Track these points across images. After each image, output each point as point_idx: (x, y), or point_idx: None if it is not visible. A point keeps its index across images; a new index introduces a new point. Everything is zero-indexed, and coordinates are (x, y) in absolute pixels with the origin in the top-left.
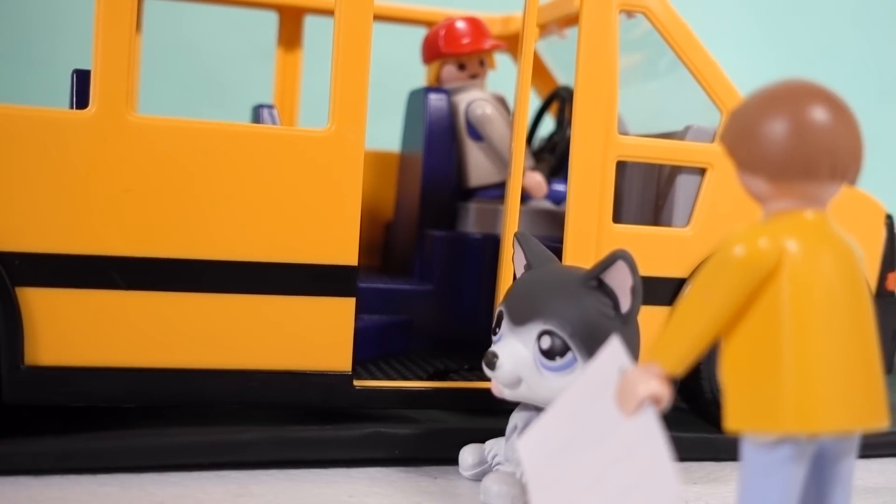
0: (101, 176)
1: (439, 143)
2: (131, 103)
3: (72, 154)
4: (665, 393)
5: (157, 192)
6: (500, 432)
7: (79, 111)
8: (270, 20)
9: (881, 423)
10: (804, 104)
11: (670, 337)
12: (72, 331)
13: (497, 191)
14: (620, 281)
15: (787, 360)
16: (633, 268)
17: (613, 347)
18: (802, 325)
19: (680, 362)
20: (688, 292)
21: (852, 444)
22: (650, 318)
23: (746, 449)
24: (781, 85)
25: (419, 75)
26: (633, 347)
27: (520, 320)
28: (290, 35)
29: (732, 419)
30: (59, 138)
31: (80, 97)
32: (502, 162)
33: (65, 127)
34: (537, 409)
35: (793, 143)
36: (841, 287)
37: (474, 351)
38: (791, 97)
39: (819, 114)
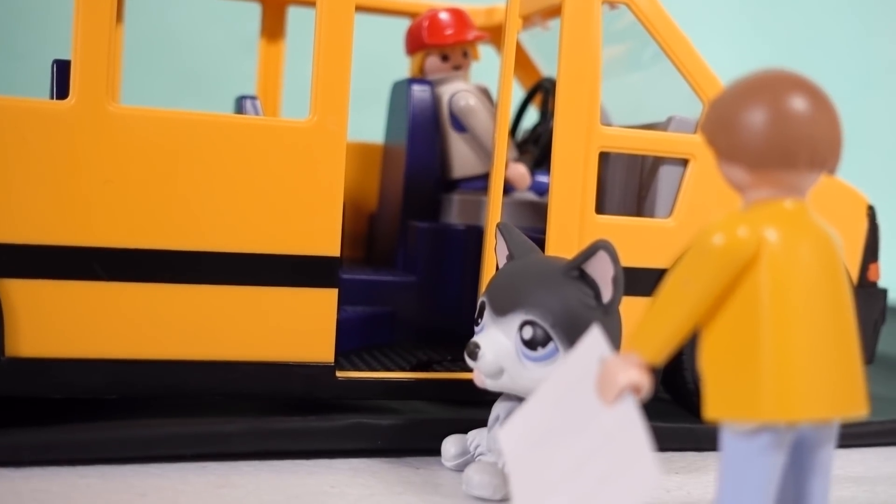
0: (82, 167)
1: (423, 134)
2: (112, 94)
3: (52, 145)
4: (645, 382)
5: (138, 183)
6: (482, 423)
7: (59, 101)
8: (253, 12)
9: (860, 411)
10: (783, 94)
11: (650, 326)
12: (53, 322)
13: (480, 182)
14: (602, 271)
15: (766, 349)
16: (614, 258)
17: (594, 337)
18: (781, 313)
19: (660, 351)
20: (667, 281)
21: (831, 433)
22: (633, 308)
23: (726, 437)
24: (761, 74)
25: (403, 67)
26: (615, 337)
27: (502, 311)
28: (273, 26)
29: (712, 408)
30: (39, 129)
31: (61, 87)
32: (486, 153)
33: (45, 117)
34: (519, 399)
35: (772, 133)
36: (820, 275)
37: (457, 342)
38: (770, 87)
39: (798, 103)
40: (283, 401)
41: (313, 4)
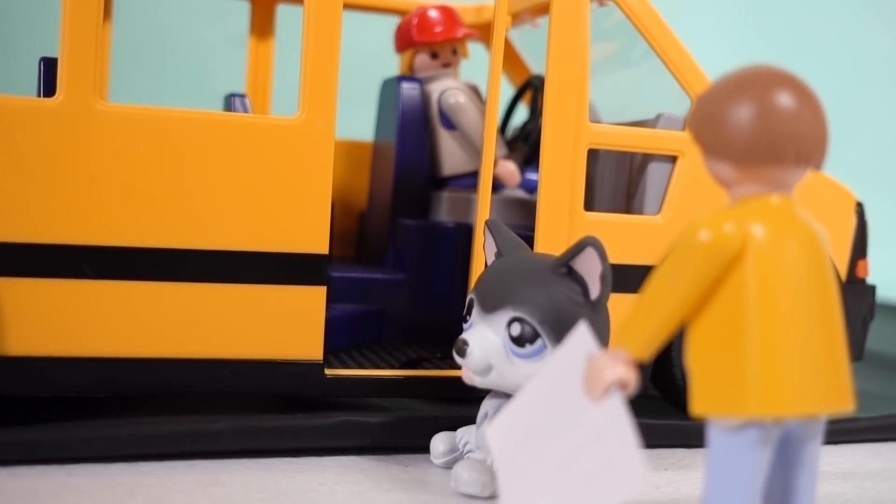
0: (69, 165)
1: (412, 132)
2: (100, 91)
3: (39, 143)
4: (631, 378)
5: (126, 181)
6: (471, 420)
7: (46, 99)
8: (243, 9)
9: (846, 407)
10: (769, 90)
11: (636, 322)
12: (40, 320)
13: (470, 180)
14: (590, 268)
15: (753, 344)
16: (602, 254)
17: (581, 333)
18: (768, 309)
19: (646, 347)
20: (654, 277)
21: (818, 429)
22: (621, 305)
23: (712, 433)
24: (747, 70)
25: (392, 64)
26: (603, 334)
27: (490, 308)
28: (262, 24)
29: (698, 404)
30: (26, 127)
31: (48, 85)
32: (475, 151)
33: (32, 115)
34: (508, 396)
35: (757, 129)
36: (806, 271)
37: (447, 339)
38: (756, 82)
39: (784, 99)
40: (271, 399)
41: (302, 2)
